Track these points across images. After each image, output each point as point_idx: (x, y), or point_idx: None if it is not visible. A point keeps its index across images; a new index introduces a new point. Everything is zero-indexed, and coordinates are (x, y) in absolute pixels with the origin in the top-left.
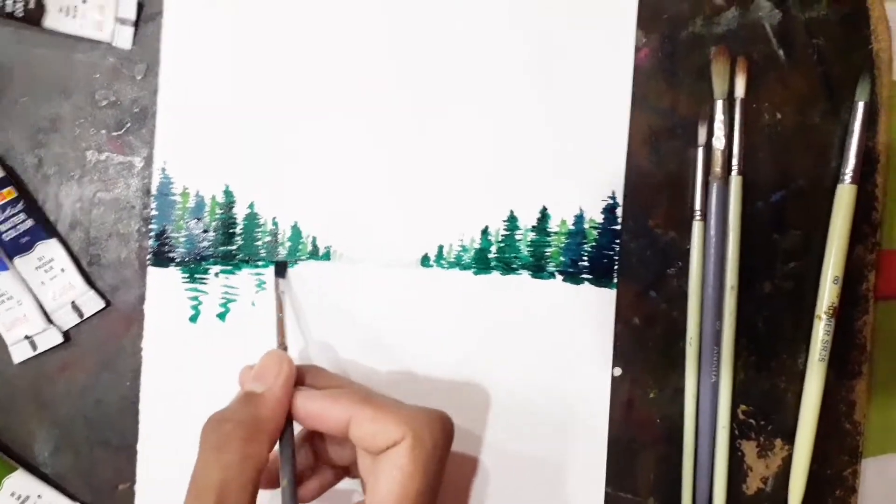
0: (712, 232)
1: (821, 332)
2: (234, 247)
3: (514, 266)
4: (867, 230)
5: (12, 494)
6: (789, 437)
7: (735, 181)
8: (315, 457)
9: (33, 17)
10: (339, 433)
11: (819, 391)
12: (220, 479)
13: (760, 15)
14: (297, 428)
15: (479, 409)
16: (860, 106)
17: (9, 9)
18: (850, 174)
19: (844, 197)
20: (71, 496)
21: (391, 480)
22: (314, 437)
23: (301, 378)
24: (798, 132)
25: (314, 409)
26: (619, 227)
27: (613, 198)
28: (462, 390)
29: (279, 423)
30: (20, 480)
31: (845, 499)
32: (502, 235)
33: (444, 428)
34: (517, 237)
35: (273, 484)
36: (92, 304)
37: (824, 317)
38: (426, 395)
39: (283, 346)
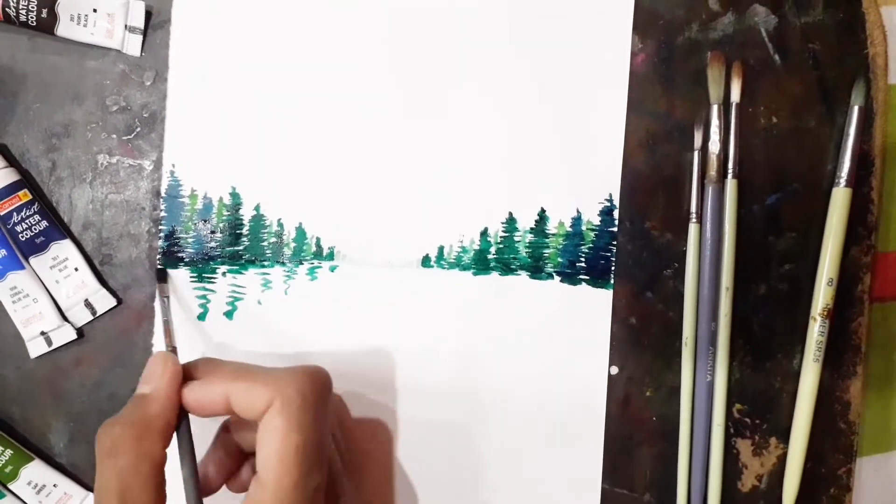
0: (708, 234)
1: (815, 333)
2: (241, 247)
3: (513, 267)
4: (862, 233)
5: (29, 483)
6: (784, 436)
7: (731, 184)
8: (226, 447)
9: (46, 25)
10: (224, 412)
11: (813, 391)
12: (118, 483)
13: (756, 20)
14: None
15: (478, 407)
16: (855, 110)
17: (23, 17)
18: (846, 177)
19: (840, 200)
20: (85, 485)
21: (270, 442)
22: (224, 429)
23: (190, 374)
24: (794, 136)
25: (197, 397)
26: (615, 229)
27: (610, 200)
28: (461, 389)
29: (170, 420)
30: (37, 470)
31: (839, 497)
32: (501, 237)
33: (312, 381)
34: (516, 238)
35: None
36: (104, 301)
37: (819, 318)
38: (425, 393)
39: (171, 347)
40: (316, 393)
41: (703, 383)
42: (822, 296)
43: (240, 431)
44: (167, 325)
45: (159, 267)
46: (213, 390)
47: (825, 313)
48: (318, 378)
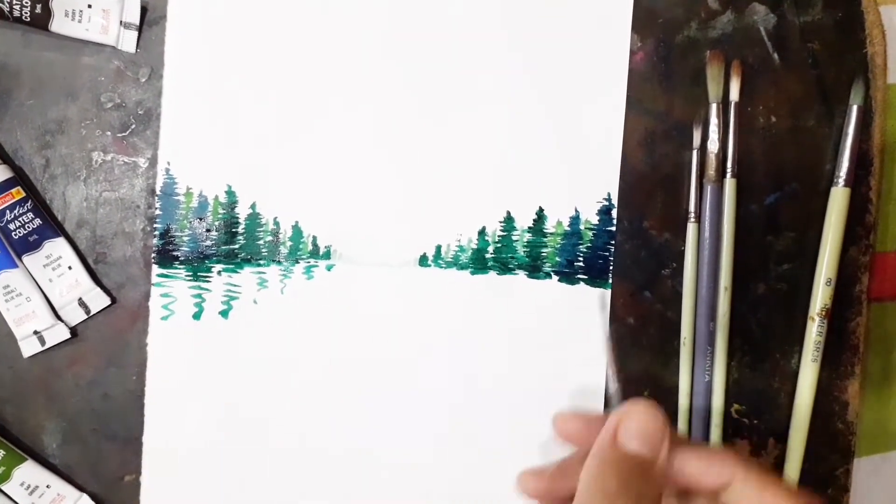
0: (706, 234)
1: (814, 333)
2: (237, 246)
3: (511, 266)
4: (861, 232)
5: (21, 484)
6: (782, 437)
7: (729, 184)
8: None
9: (40, 21)
10: (711, 491)
11: (811, 391)
12: None
13: (755, 19)
14: None
15: (476, 406)
16: (854, 109)
17: (17, 13)
18: (844, 177)
19: (838, 200)
20: (78, 486)
21: None
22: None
23: None
24: (792, 135)
25: (694, 468)
26: (614, 229)
27: (609, 199)
28: (458, 388)
29: (660, 497)
30: (29, 471)
31: (837, 498)
32: (499, 236)
33: None
34: (514, 238)
35: None
36: (98, 300)
37: (817, 318)
38: (422, 392)
39: (619, 386)
40: None
41: (702, 383)
42: (821, 296)
43: None
44: (614, 360)
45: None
46: (719, 468)
47: (823, 313)
48: None
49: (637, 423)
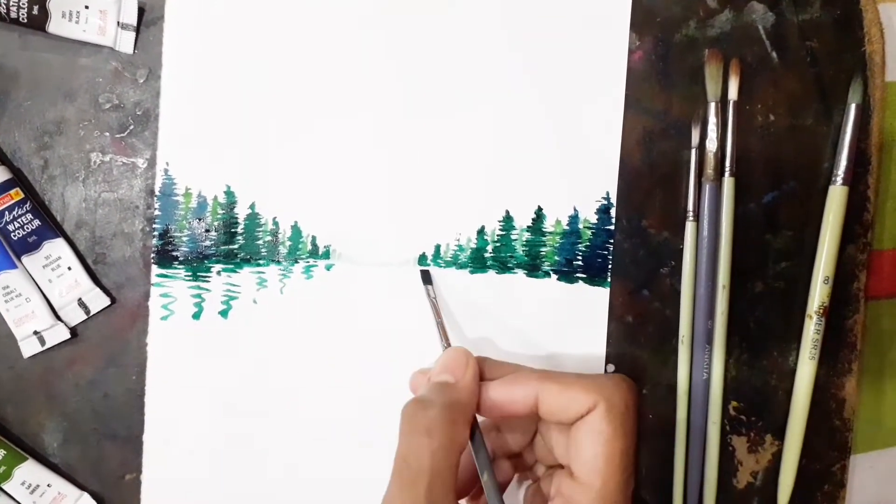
0: (705, 232)
1: (811, 331)
2: (236, 246)
3: (510, 265)
4: (859, 231)
5: (23, 483)
6: (779, 434)
7: (728, 182)
8: (497, 447)
9: (37, 22)
10: (526, 413)
11: (809, 389)
12: (431, 463)
13: (754, 17)
14: None
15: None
16: (853, 108)
17: (14, 14)
18: (842, 175)
19: (836, 198)
20: (79, 485)
21: (594, 444)
22: (488, 432)
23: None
24: (791, 134)
25: (500, 396)
26: (612, 227)
27: (607, 198)
28: None
29: (473, 411)
30: (30, 470)
31: (833, 493)
32: (498, 235)
33: (630, 389)
34: (513, 237)
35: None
36: (98, 301)
37: (815, 316)
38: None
39: (448, 345)
40: (634, 400)
41: (700, 381)
42: (818, 294)
43: (511, 433)
44: (441, 325)
45: (423, 269)
46: (521, 389)
47: (821, 311)
48: (633, 387)
49: (442, 359)
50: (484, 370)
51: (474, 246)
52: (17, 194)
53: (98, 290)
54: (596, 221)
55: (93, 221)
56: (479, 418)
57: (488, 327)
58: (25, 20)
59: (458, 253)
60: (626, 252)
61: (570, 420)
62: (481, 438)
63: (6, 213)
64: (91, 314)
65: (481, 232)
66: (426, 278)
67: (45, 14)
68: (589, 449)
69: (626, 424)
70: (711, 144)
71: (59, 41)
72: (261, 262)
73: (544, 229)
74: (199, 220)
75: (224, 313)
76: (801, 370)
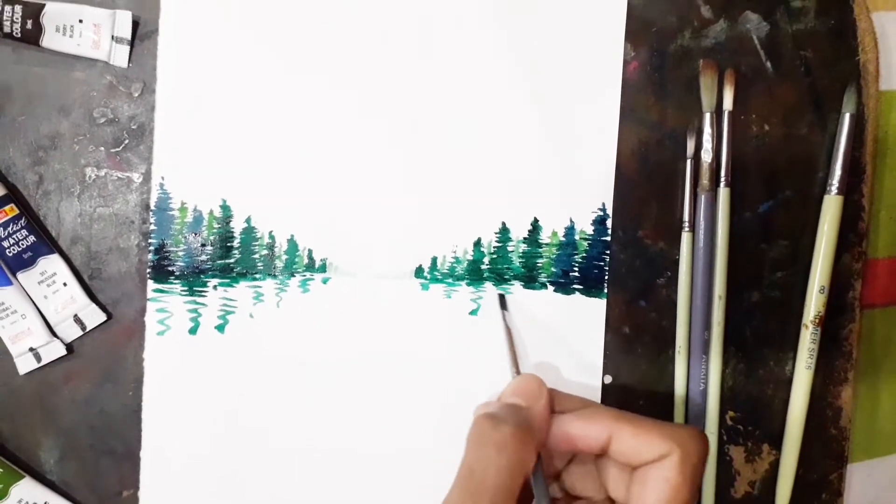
0: (701, 243)
1: (807, 341)
2: (232, 260)
3: (507, 277)
4: (854, 240)
5: (20, 501)
6: (776, 443)
7: (723, 192)
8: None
9: (31, 36)
10: (597, 450)
11: (805, 398)
12: (496, 481)
13: (748, 27)
14: None
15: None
16: (847, 117)
17: (7, 29)
18: (837, 185)
19: (831, 207)
20: (76, 503)
21: (660, 490)
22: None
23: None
24: (785, 143)
25: (575, 430)
26: (608, 238)
27: (603, 209)
28: (456, 398)
29: (544, 439)
30: (27, 488)
31: (831, 502)
32: (494, 247)
33: (704, 443)
34: (509, 249)
35: None
36: (94, 317)
37: (811, 325)
38: (419, 404)
39: (518, 372)
40: (705, 455)
41: (697, 391)
42: (814, 303)
43: (577, 470)
44: (513, 352)
45: (500, 293)
46: (594, 427)
47: (817, 321)
48: (706, 442)
49: (515, 383)
50: (553, 401)
51: (471, 258)
52: (11, 210)
53: (94, 305)
54: (592, 232)
55: (88, 237)
56: None
57: (485, 339)
58: (19, 34)
59: (455, 265)
60: (622, 263)
61: (640, 463)
62: (542, 468)
63: (1, 229)
64: (87, 330)
65: (478, 244)
66: (503, 304)
67: (38, 28)
68: (654, 494)
69: (695, 477)
70: (707, 154)
71: (53, 55)
72: (257, 276)
73: (541, 241)
74: (195, 234)
75: (221, 328)
76: (797, 379)
